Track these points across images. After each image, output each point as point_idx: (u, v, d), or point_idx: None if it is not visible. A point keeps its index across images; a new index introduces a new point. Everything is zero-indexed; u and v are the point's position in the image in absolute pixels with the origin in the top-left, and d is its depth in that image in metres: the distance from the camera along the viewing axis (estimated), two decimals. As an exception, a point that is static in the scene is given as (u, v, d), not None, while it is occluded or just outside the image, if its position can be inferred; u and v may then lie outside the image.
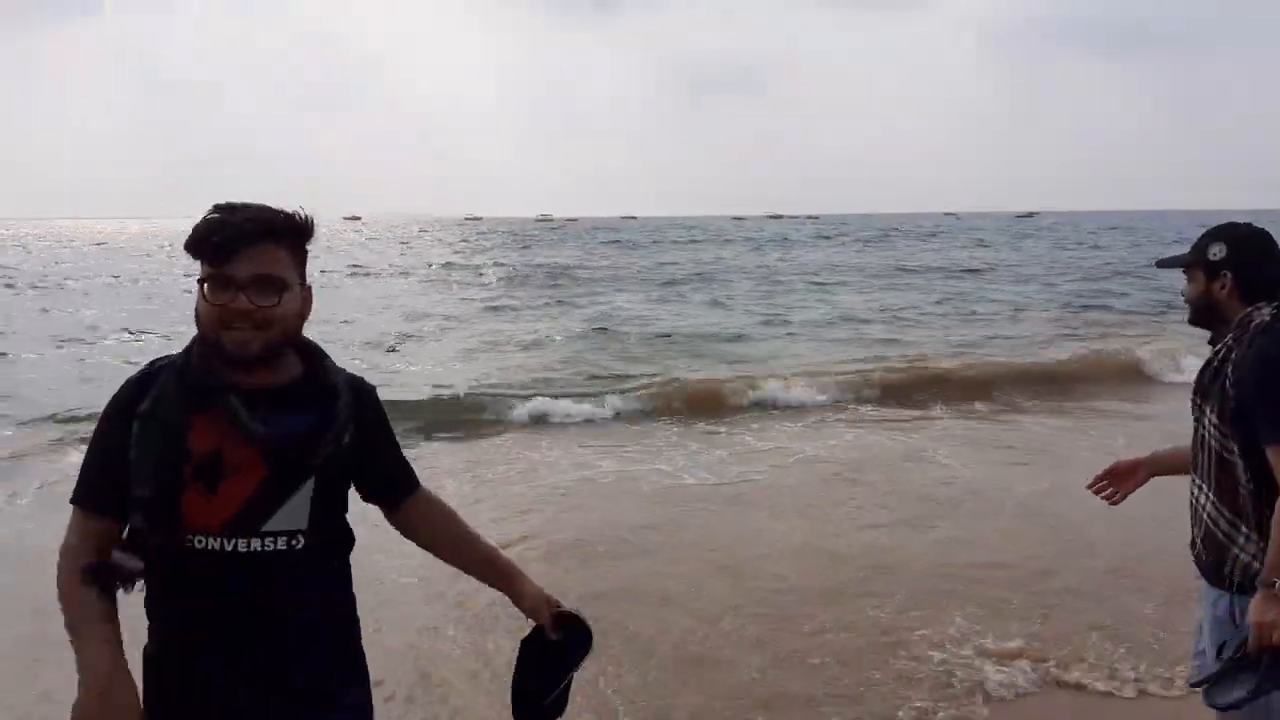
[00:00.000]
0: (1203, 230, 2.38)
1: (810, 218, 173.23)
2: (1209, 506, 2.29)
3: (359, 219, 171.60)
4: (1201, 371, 2.35)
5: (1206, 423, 2.26)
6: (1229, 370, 2.20)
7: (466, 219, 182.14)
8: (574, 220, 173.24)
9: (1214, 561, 2.28)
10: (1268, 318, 2.20)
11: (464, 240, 63.30)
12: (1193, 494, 2.38)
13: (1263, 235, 2.36)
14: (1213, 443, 2.24)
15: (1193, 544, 2.37)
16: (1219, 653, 2.21)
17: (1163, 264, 2.54)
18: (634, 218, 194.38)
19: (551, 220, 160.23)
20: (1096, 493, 2.70)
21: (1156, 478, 2.64)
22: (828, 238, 63.90)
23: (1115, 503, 2.68)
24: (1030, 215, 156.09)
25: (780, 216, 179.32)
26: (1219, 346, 2.30)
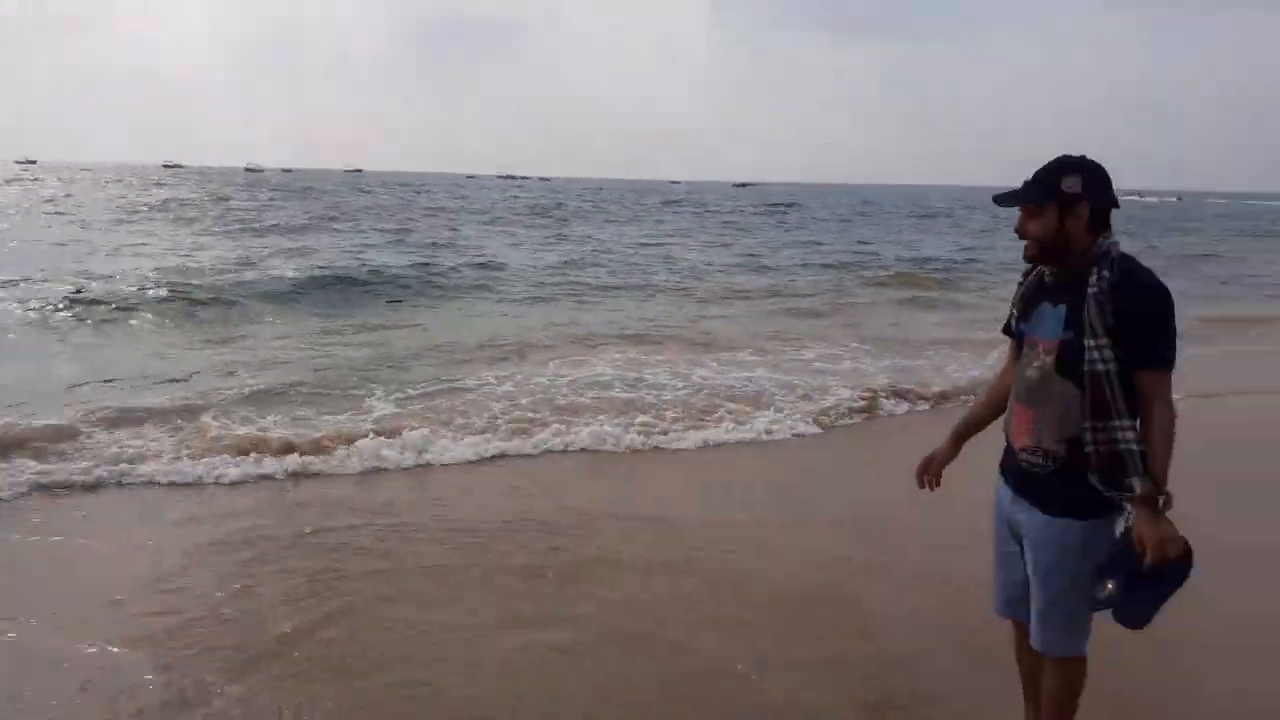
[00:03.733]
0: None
1: (542, 179, 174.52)
2: (1064, 434, 2.36)
3: (33, 163, 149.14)
4: (1030, 301, 2.49)
5: (1087, 348, 2.28)
6: (1106, 299, 2.25)
7: (165, 166, 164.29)
8: (289, 171, 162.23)
9: (1066, 489, 2.38)
10: (1120, 246, 2.33)
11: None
12: (1034, 427, 2.43)
13: (1103, 167, 2.39)
14: (1100, 367, 2.27)
15: (1031, 475, 2.47)
16: (1102, 576, 2.35)
17: (1002, 201, 2.47)
18: (359, 171, 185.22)
19: (261, 170, 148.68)
20: (923, 486, 2.84)
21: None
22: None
23: (937, 487, 2.83)
24: (746, 185, 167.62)
25: (512, 177, 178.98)
26: (1057, 274, 2.41)
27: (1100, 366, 2.28)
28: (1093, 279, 2.30)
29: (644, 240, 29.87)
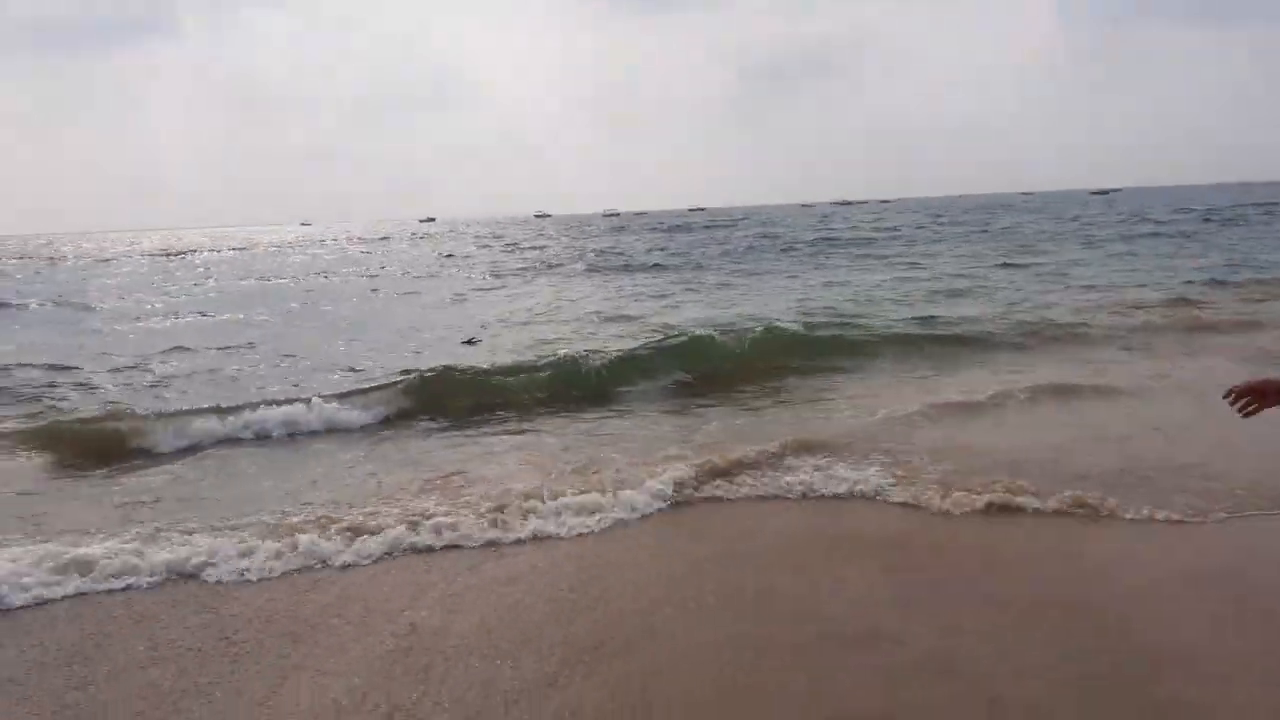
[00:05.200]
0: None
1: (882, 202, 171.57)
2: None
3: (433, 220, 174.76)
4: None
5: None
6: None
7: (536, 216, 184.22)
8: (641, 214, 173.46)
9: None
10: None
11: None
12: None
13: None
14: None
15: None
16: None
17: None
18: (702, 209, 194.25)
19: (617, 215, 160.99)
20: (1235, 404, 2.68)
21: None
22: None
23: (1248, 415, 2.67)
24: (1106, 192, 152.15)
25: (849, 203, 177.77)
26: None
27: None
28: None
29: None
